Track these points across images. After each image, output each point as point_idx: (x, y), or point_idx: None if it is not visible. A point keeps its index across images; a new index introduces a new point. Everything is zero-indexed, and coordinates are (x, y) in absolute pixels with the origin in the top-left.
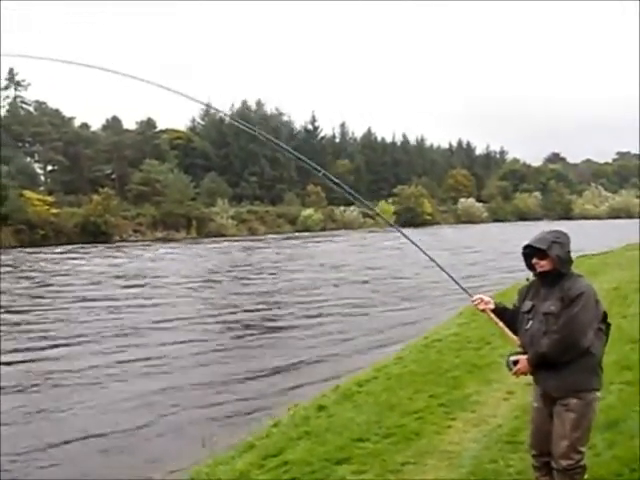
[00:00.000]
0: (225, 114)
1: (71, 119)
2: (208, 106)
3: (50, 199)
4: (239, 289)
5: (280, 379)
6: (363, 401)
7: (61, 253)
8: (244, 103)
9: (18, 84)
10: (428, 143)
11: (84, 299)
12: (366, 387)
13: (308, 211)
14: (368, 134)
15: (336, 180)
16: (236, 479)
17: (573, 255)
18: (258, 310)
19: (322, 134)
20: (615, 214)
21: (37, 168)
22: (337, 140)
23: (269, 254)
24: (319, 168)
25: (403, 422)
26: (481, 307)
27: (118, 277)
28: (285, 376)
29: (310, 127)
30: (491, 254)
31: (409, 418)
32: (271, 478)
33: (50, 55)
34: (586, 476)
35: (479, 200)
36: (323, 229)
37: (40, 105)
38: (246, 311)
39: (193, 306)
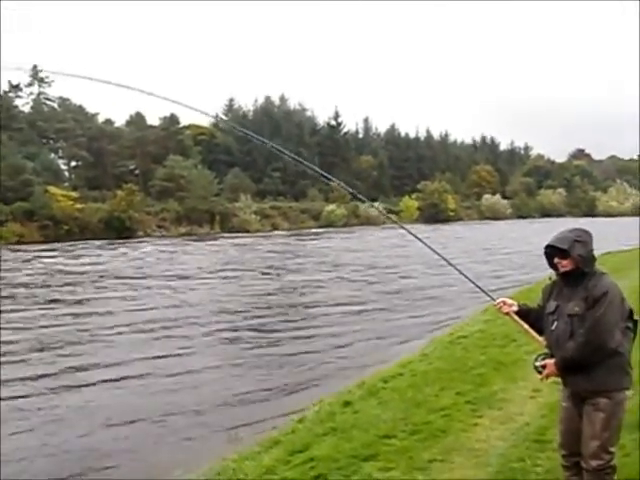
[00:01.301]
0: (235, 126)
1: (95, 115)
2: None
3: (74, 195)
4: (228, 289)
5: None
6: (389, 397)
7: (40, 251)
8: (267, 98)
9: (42, 81)
10: (452, 139)
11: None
12: (391, 383)
13: (331, 207)
14: (392, 129)
15: (349, 189)
16: (263, 475)
17: (597, 253)
18: (249, 314)
19: (345, 129)
20: None
21: (61, 164)
22: (360, 135)
23: (269, 251)
24: (329, 176)
25: (429, 419)
26: (505, 310)
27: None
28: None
29: (333, 122)
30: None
31: (435, 415)
32: (297, 474)
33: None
34: (615, 476)
35: (503, 196)
36: (346, 225)
37: (64, 101)
38: (231, 313)
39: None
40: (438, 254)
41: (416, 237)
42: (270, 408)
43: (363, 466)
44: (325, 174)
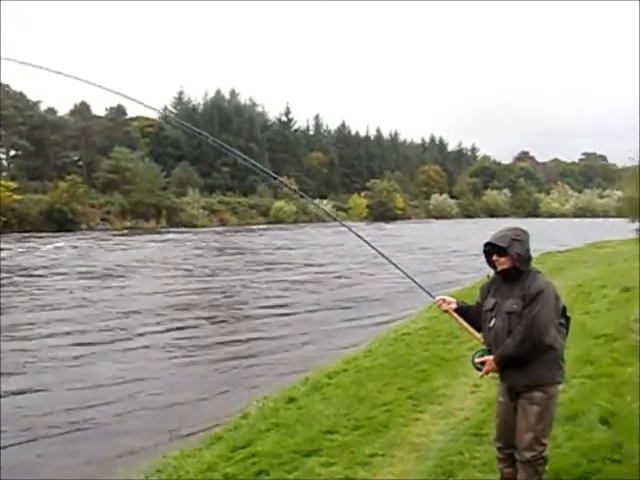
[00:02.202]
0: (181, 123)
1: (37, 103)
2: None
3: (13, 185)
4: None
5: None
6: (332, 393)
7: None
8: (218, 92)
9: None
10: (401, 138)
11: None
12: (336, 379)
13: (280, 203)
14: (342, 127)
15: (291, 187)
16: (204, 471)
17: (537, 253)
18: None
19: (296, 126)
20: (580, 213)
21: None
22: (311, 132)
23: (198, 248)
24: (274, 175)
25: (372, 414)
26: (444, 308)
27: None
28: None
29: (284, 119)
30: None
31: (378, 410)
32: (239, 470)
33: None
34: (546, 467)
35: (450, 196)
36: (296, 221)
37: (3, 88)
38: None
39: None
40: (380, 253)
41: (358, 236)
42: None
43: (305, 461)
44: (270, 172)
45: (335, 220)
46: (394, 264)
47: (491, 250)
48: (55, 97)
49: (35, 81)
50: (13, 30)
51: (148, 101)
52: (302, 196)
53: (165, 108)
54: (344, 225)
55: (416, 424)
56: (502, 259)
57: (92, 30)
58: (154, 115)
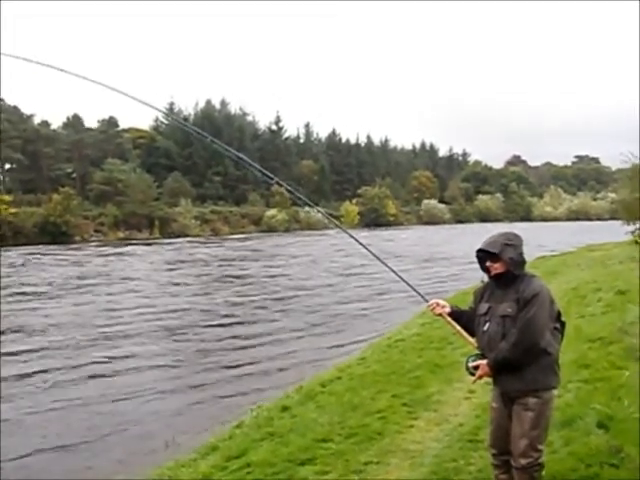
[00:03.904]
0: (182, 122)
1: (30, 116)
2: (165, 113)
3: (8, 198)
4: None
5: None
6: (326, 401)
7: None
8: (208, 102)
9: None
10: (392, 144)
11: None
12: (329, 387)
13: (272, 211)
14: (332, 135)
15: (289, 187)
16: None
17: (529, 258)
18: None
19: (286, 134)
20: (573, 216)
21: None
22: (302, 141)
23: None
24: (271, 175)
25: (366, 422)
26: (437, 311)
27: None
28: None
29: (274, 127)
30: None
31: (372, 418)
32: None
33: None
34: (543, 473)
35: (442, 201)
36: (287, 230)
37: None
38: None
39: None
40: (379, 259)
41: (358, 241)
42: None
43: (299, 470)
44: (269, 174)
45: (337, 227)
46: (393, 270)
47: (484, 256)
48: (48, 110)
49: (28, 95)
50: (13, 30)
51: (139, 112)
52: (300, 197)
53: (157, 119)
54: (345, 231)
55: (410, 431)
56: (496, 265)
57: (78, 40)
58: (146, 126)
